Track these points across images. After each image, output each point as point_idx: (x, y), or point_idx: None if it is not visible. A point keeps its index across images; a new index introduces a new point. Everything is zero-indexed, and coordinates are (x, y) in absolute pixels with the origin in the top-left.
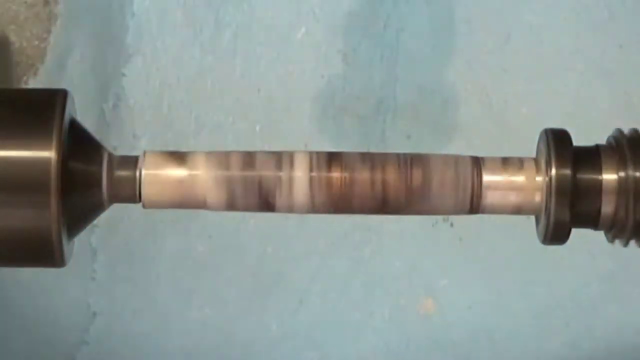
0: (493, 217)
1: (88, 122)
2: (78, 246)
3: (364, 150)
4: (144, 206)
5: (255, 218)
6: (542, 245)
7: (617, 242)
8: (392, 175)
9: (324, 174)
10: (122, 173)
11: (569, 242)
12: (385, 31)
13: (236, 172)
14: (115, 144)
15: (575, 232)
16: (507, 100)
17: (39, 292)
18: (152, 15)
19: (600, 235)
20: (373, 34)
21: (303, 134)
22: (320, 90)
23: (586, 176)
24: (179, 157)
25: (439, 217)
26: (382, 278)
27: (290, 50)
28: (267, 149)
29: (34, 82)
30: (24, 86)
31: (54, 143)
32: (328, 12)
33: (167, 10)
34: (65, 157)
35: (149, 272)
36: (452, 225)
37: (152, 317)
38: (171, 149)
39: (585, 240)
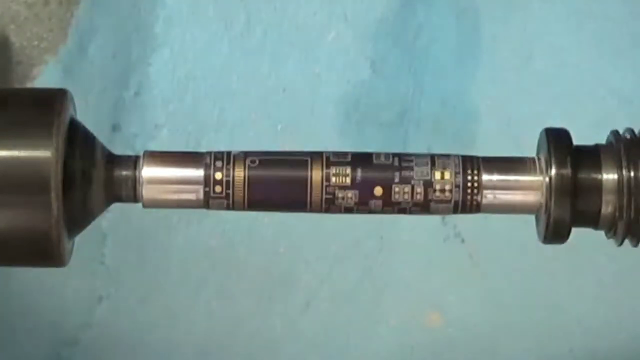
0: (504, 235)
1: (105, 108)
2: (88, 229)
3: None
4: (143, 206)
5: (269, 217)
6: (552, 269)
7: (613, 240)
8: (392, 175)
9: (321, 172)
10: (122, 173)
11: (578, 267)
12: (415, 42)
13: (237, 172)
14: (136, 131)
15: (586, 257)
16: (525, 119)
17: (45, 273)
18: (183, 6)
19: (608, 260)
20: (403, 44)
21: (324, 137)
22: (345, 95)
23: (586, 175)
24: (179, 157)
25: (451, 232)
26: (390, 288)
27: (318, 52)
28: (286, 149)
29: (37, 82)
30: (28, 85)
31: (54, 143)
32: (360, 17)
33: (198, 2)
34: (65, 157)
35: (158, 261)
36: (463, 241)
37: (159, 305)
38: (192, 141)
39: (594, 266)
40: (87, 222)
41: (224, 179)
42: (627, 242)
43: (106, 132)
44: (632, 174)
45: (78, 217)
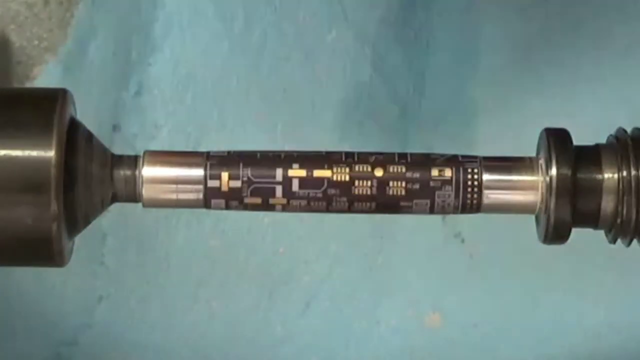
0: (504, 235)
1: (105, 108)
2: (88, 229)
3: None
4: (143, 205)
5: (269, 217)
6: (552, 270)
7: (618, 241)
8: (391, 174)
9: (321, 172)
10: (122, 172)
11: (579, 268)
12: (416, 41)
13: (237, 171)
14: (136, 131)
15: (586, 257)
16: (525, 119)
17: (45, 273)
18: (183, 6)
19: (608, 260)
20: (403, 44)
21: (324, 137)
22: (346, 95)
23: (586, 175)
24: (179, 157)
25: (451, 232)
26: (391, 288)
27: (318, 52)
28: (286, 149)
29: (37, 82)
30: (28, 85)
31: (54, 142)
32: (360, 17)
33: (198, 2)
34: (65, 157)
35: (158, 261)
36: (463, 241)
37: (158, 306)
38: (192, 141)
39: (594, 266)
40: (87, 222)
41: (224, 179)
42: (621, 241)
43: (106, 132)
44: (634, 173)
45: (78, 217)
